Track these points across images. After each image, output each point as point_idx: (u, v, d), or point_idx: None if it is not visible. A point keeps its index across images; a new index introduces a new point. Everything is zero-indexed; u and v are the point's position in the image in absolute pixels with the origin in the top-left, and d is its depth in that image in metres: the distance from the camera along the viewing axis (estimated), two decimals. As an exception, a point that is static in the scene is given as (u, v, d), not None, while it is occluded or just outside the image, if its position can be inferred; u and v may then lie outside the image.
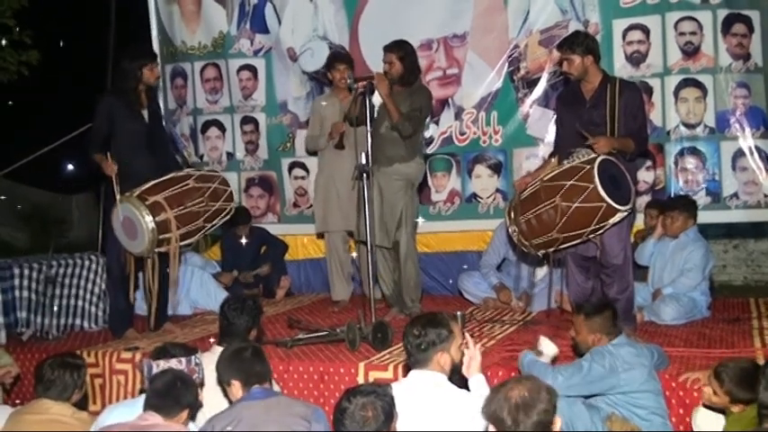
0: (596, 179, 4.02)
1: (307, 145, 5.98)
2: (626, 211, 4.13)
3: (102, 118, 4.84)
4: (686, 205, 5.08)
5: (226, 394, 3.15)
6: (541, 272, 5.49)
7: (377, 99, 5.00)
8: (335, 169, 5.52)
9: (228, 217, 4.93)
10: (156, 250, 4.57)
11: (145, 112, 4.90)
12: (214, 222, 4.79)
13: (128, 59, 4.89)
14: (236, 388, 2.98)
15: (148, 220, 4.44)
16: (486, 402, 2.28)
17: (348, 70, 5.37)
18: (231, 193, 4.89)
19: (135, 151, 4.81)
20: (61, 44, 13.02)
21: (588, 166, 4.09)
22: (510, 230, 4.49)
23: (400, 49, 5.07)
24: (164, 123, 5.21)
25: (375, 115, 4.99)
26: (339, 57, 5.70)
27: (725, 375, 3.09)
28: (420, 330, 2.90)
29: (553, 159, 4.55)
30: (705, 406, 3.35)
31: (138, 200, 4.48)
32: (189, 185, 4.65)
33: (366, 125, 4.68)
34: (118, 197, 4.57)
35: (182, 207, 4.55)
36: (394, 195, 5.07)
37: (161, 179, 4.63)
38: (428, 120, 5.67)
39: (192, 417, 3.02)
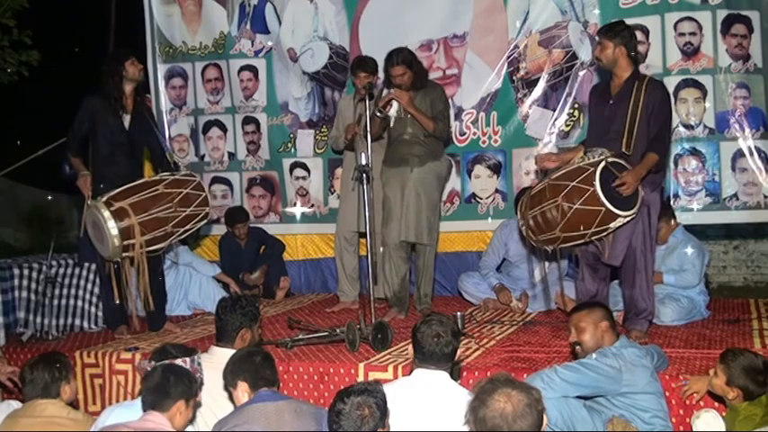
0: (597, 183, 4.00)
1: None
2: (627, 216, 4.08)
3: (83, 118, 4.86)
4: (663, 211, 4.83)
5: (230, 398, 3.11)
6: (541, 272, 5.48)
7: (393, 110, 5.10)
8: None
9: (204, 222, 4.87)
10: (125, 255, 4.53)
11: (127, 117, 4.89)
12: (187, 228, 4.72)
13: (107, 61, 4.94)
14: (243, 390, 2.93)
15: (111, 226, 4.40)
16: (474, 415, 2.26)
17: (370, 77, 5.32)
18: (206, 197, 4.79)
19: (112, 156, 4.82)
20: (61, 45, 13.02)
21: (592, 169, 4.06)
22: (519, 224, 4.49)
23: (404, 59, 5.04)
24: (154, 127, 5.07)
25: (393, 123, 5.12)
26: (357, 63, 5.51)
27: (730, 360, 3.18)
28: (450, 339, 2.97)
29: (581, 147, 4.46)
30: (710, 394, 3.40)
31: (103, 205, 4.45)
32: (158, 191, 4.58)
33: (367, 129, 4.68)
34: (88, 202, 4.61)
35: (147, 213, 4.50)
36: (433, 193, 5.25)
37: (132, 184, 4.60)
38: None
39: (192, 415, 2.96)
